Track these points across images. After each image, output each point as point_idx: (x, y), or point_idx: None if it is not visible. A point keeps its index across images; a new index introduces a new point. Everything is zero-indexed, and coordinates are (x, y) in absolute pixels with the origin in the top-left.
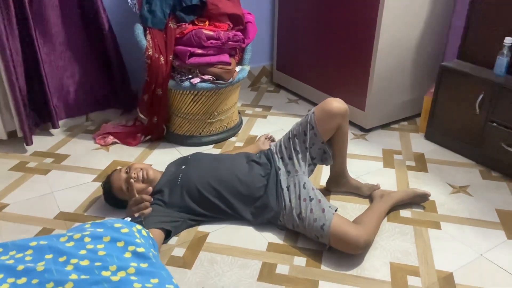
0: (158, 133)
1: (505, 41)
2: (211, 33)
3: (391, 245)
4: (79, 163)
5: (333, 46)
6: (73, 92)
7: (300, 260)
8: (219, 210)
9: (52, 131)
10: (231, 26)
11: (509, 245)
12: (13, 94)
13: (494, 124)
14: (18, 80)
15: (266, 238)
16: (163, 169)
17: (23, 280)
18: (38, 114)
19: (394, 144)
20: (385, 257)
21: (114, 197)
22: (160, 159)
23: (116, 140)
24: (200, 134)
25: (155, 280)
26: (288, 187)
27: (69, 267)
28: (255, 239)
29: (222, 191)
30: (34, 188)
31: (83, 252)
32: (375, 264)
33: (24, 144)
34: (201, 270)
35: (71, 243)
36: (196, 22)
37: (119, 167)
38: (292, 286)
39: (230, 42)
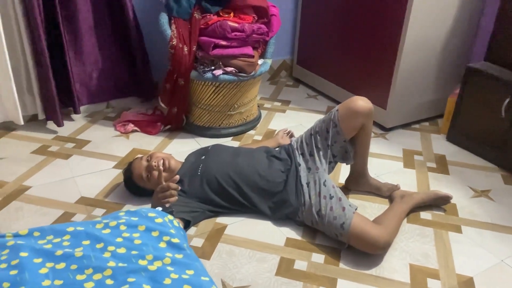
0: (177, 123)
1: None
2: (236, 25)
3: (411, 247)
4: (99, 149)
5: (357, 42)
6: (95, 78)
7: (319, 257)
8: (237, 202)
9: (73, 116)
10: (256, 18)
11: None
12: (40, 75)
13: None
14: (47, 62)
15: (284, 233)
16: (182, 159)
17: (62, 265)
18: (61, 98)
19: (415, 145)
20: (404, 259)
21: (134, 184)
22: (179, 149)
23: (136, 128)
24: (219, 126)
25: (191, 272)
26: (308, 184)
27: (107, 254)
28: (273, 233)
29: (242, 184)
30: (55, 172)
31: (119, 240)
32: (395, 265)
33: (54, 125)
34: (220, 261)
35: (107, 230)
36: (221, 14)
37: (140, 155)
38: (310, 283)
39: (254, 35)
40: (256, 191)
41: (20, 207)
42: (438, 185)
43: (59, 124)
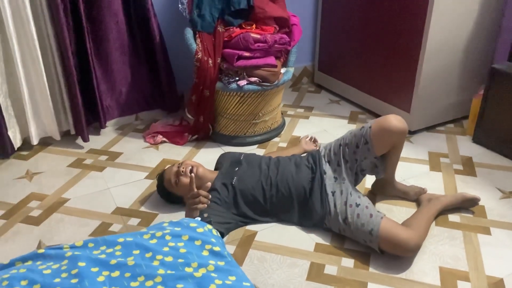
0: (204, 132)
1: None
2: (258, 36)
3: (440, 249)
4: (131, 161)
5: (378, 47)
6: (125, 93)
7: (348, 262)
8: (268, 214)
9: (103, 130)
10: (277, 29)
11: None
12: (70, 93)
13: None
14: (75, 82)
15: (313, 238)
16: (210, 167)
17: (116, 273)
18: (90, 114)
19: (441, 147)
20: (434, 261)
21: (165, 190)
22: (206, 158)
23: (164, 139)
24: (244, 134)
25: (233, 278)
26: (333, 193)
27: (156, 263)
28: (302, 239)
29: (273, 194)
30: (91, 184)
31: (166, 249)
32: (424, 268)
33: (81, 140)
34: (252, 267)
35: (154, 241)
36: (244, 26)
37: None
38: (341, 287)
39: (276, 45)
40: (285, 200)
41: (61, 219)
42: (466, 187)
43: (85, 139)
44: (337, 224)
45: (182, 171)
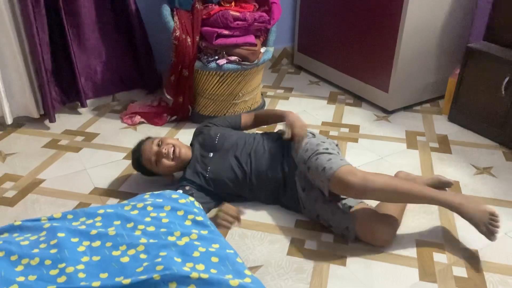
0: (183, 113)
1: None
2: (238, 14)
3: (418, 223)
4: (108, 142)
5: (358, 27)
6: (100, 72)
7: (328, 237)
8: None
9: (80, 110)
10: (257, 7)
11: None
12: (37, 73)
13: None
14: (43, 59)
15: (294, 215)
16: None
17: (97, 243)
18: (66, 93)
19: (417, 126)
20: (411, 235)
21: (142, 166)
22: (186, 138)
23: (143, 119)
24: (224, 114)
25: (216, 245)
26: (303, 189)
27: (138, 232)
28: (283, 216)
29: (249, 186)
30: (67, 164)
31: (148, 219)
32: (402, 241)
33: (48, 121)
34: (233, 243)
35: (136, 212)
36: (222, 3)
37: (151, 137)
38: (321, 261)
39: (256, 23)
40: (260, 190)
41: (37, 199)
42: (441, 164)
43: (51, 120)
44: (313, 218)
45: (165, 153)
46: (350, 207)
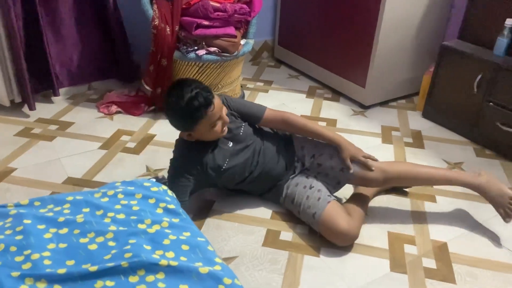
0: (161, 104)
1: (506, 22)
2: (218, 5)
3: (390, 216)
4: (83, 131)
5: (337, 23)
6: (76, 60)
7: (303, 228)
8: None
9: (54, 98)
10: None
11: (500, 219)
12: (15, 60)
13: (491, 104)
14: (21, 45)
15: (270, 207)
16: (167, 139)
17: (65, 230)
18: (39, 81)
19: (393, 121)
20: (383, 227)
21: (194, 111)
22: (163, 129)
23: (119, 109)
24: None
25: (188, 233)
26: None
27: (107, 220)
28: (260, 208)
29: (250, 180)
30: (40, 153)
31: (118, 206)
32: (374, 233)
33: (28, 109)
34: (208, 234)
35: (106, 199)
36: None
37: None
38: (295, 252)
39: (236, 15)
40: (256, 186)
41: (8, 189)
42: (415, 159)
43: (31, 107)
44: (288, 205)
45: (225, 122)
46: (329, 195)
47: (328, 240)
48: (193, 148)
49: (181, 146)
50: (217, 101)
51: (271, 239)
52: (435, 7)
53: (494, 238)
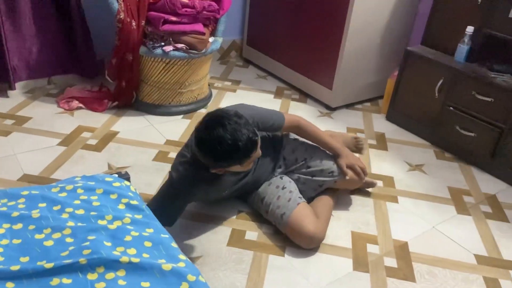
0: (126, 100)
1: (466, 30)
2: (186, 1)
3: (353, 216)
4: (42, 127)
5: (305, 25)
6: (35, 53)
7: (268, 228)
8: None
9: (10, 92)
10: None
11: (459, 219)
12: None
13: (451, 108)
14: None
15: (236, 206)
16: (131, 136)
17: (19, 225)
18: None
19: (358, 123)
20: (347, 227)
21: (237, 152)
22: (127, 127)
23: (81, 105)
24: (169, 103)
25: (151, 230)
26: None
27: (65, 215)
28: (225, 207)
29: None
30: None
31: (77, 202)
32: (338, 233)
33: None
34: (172, 234)
35: (64, 194)
36: None
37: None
38: (260, 251)
39: (204, 12)
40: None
41: None
42: (378, 160)
43: None
44: (256, 202)
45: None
46: (300, 197)
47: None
48: (203, 176)
49: (190, 172)
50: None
51: (236, 239)
52: (400, 13)
53: (452, 238)
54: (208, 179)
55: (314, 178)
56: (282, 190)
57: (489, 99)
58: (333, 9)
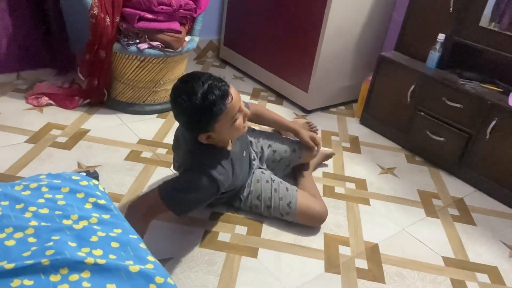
0: (98, 97)
1: (438, 37)
2: None
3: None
4: (9, 123)
5: (283, 28)
6: (4, 46)
7: (241, 229)
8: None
9: None
10: None
11: (427, 222)
12: None
13: (422, 113)
14: None
15: (209, 208)
16: (103, 135)
17: None
18: None
19: (332, 126)
20: (320, 228)
21: (209, 106)
22: (98, 125)
23: (51, 101)
24: (143, 102)
25: (119, 230)
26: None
27: (28, 214)
28: (199, 209)
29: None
30: None
31: (41, 200)
32: (310, 235)
33: None
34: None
35: (28, 192)
36: None
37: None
38: (233, 253)
39: (181, 10)
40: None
41: None
42: (351, 162)
43: None
44: (249, 203)
45: (246, 114)
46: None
47: (303, 225)
48: (225, 156)
49: (212, 156)
50: (233, 91)
51: (209, 240)
52: (375, 19)
53: (421, 240)
54: (218, 157)
55: (281, 159)
56: (274, 183)
57: (458, 105)
58: (310, 13)
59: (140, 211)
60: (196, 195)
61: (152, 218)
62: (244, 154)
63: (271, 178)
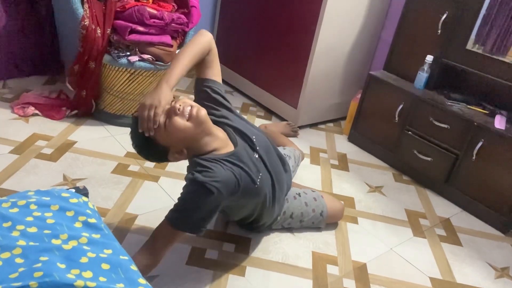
0: (86, 108)
1: (426, 58)
2: (155, 12)
3: (314, 236)
4: None
5: (273, 44)
6: None
7: (229, 246)
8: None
9: None
10: (176, 7)
11: (415, 241)
12: None
13: (409, 132)
14: None
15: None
16: (90, 147)
17: None
18: None
19: (321, 143)
20: (308, 247)
21: (142, 136)
22: (86, 136)
23: (37, 111)
24: (132, 114)
25: (109, 251)
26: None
27: (16, 233)
28: None
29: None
30: None
31: (29, 219)
32: (299, 253)
33: None
34: (129, 252)
35: (15, 209)
36: None
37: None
38: (220, 271)
39: (173, 24)
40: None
41: None
42: (339, 180)
43: None
44: (283, 222)
45: (179, 109)
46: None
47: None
48: (200, 148)
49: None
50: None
51: (196, 257)
52: (364, 38)
53: (409, 260)
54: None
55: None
56: (300, 197)
57: (445, 126)
58: (301, 30)
59: (158, 245)
60: (199, 208)
61: (172, 245)
62: (258, 150)
63: (297, 193)
